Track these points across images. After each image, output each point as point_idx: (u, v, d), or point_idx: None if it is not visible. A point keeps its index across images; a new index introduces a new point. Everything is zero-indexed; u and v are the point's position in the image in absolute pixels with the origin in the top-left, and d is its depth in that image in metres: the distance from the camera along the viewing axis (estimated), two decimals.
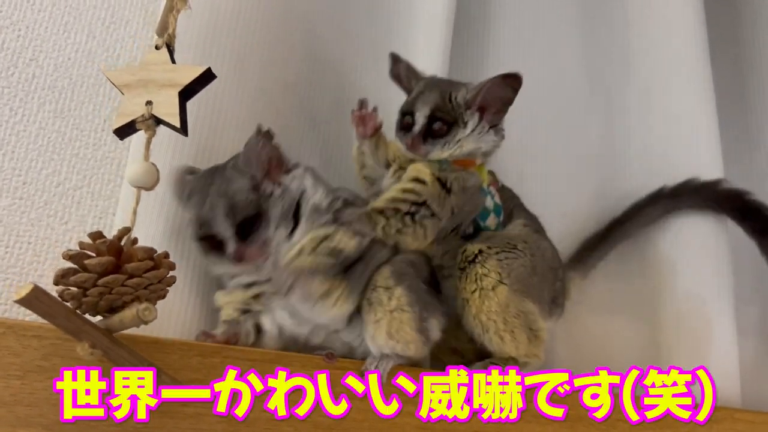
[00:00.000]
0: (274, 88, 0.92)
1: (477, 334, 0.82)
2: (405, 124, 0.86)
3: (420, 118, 0.85)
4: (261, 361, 0.68)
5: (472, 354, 0.84)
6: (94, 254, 0.57)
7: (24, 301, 0.52)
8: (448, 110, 0.85)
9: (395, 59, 0.92)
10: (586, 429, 0.83)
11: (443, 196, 0.82)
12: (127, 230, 0.59)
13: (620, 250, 1.20)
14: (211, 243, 0.73)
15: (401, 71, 0.92)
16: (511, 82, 0.84)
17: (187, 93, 0.63)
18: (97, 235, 0.58)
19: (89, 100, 0.85)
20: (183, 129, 0.62)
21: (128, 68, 0.64)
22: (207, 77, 0.63)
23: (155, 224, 0.76)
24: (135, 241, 0.60)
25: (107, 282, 0.56)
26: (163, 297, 0.61)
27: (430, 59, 1.06)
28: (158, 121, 0.61)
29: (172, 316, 0.75)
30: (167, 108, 0.61)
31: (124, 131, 0.62)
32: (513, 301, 0.81)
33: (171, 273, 0.61)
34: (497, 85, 0.84)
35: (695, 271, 1.14)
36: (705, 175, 1.15)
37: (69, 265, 0.57)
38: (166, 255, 0.61)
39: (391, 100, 1.06)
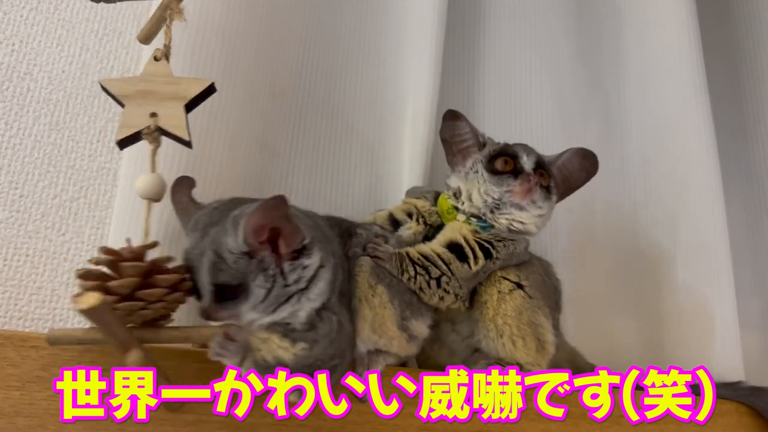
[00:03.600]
0: (263, 95, 0.93)
1: (491, 338, 0.81)
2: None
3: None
4: None
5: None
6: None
7: (90, 312, 0.51)
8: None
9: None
10: (588, 426, 0.84)
11: (481, 266, 0.81)
12: (154, 244, 0.60)
13: (620, 246, 1.21)
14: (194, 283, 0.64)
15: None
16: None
17: (188, 106, 0.63)
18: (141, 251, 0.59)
19: (84, 112, 0.86)
20: (189, 141, 0.62)
21: (126, 79, 0.64)
22: (209, 91, 0.64)
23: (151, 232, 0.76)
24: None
25: (176, 298, 0.59)
26: None
27: (423, 60, 1.06)
28: (163, 133, 0.62)
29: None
30: (173, 120, 0.62)
31: (126, 142, 0.62)
32: (526, 309, 0.81)
33: None
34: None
35: (696, 266, 1.14)
36: (701, 166, 1.16)
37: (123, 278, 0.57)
38: None
39: (384, 100, 1.06)
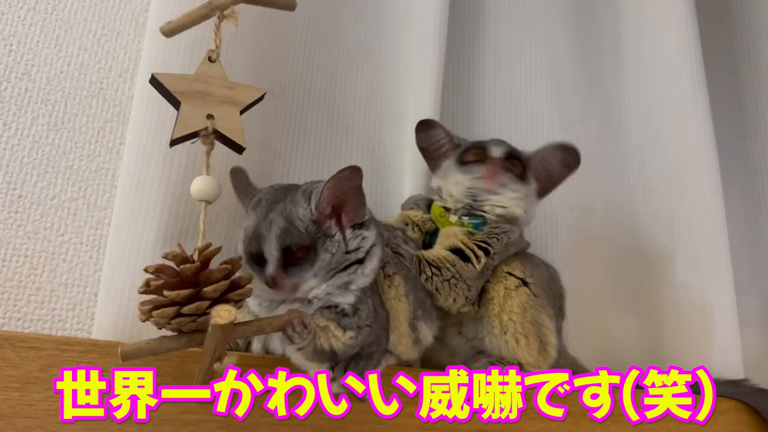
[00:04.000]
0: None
1: (495, 334, 0.82)
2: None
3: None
4: (261, 365, 0.68)
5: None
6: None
7: (228, 327, 0.53)
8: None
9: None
10: (588, 426, 0.84)
11: (484, 264, 0.82)
12: (217, 250, 0.59)
13: (620, 245, 1.21)
14: (255, 257, 0.68)
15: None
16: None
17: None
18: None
19: (82, 113, 0.85)
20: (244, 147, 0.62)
21: (182, 76, 0.63)
22: (260, 99, 0.65)
23: (147, 231, 0.76)
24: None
25: (243, 293, 0.59)
26: None
27: (424, 58, 1.06)
28: (218, 137, 0.62)
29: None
30: (230, 124, 0.62)
31: (179, 141, 0.62)
32: (531, 307, 0.82)
33: None
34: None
35: (695, 264, 1.14)
36: (700, 164, 1.16)
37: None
38: None
39: (385, 100, 1.06)
